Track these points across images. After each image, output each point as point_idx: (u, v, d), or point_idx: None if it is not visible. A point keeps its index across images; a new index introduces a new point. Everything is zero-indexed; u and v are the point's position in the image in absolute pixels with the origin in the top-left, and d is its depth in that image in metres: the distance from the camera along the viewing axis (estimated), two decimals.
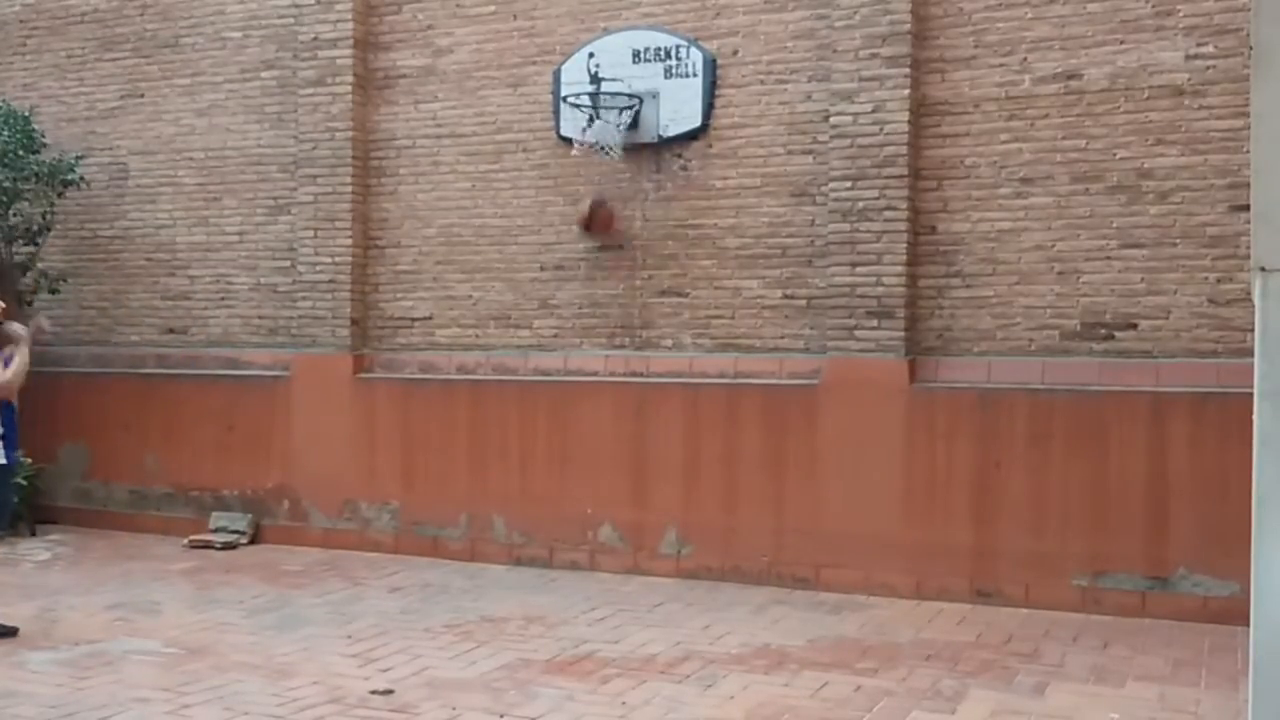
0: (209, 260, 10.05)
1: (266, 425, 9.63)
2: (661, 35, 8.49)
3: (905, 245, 7.83)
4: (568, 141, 8.70)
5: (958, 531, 7.63)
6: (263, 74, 9.83)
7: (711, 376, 8.38)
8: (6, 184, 9.74)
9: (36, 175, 9.94)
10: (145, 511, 10.06)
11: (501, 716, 5.33)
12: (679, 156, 8.52)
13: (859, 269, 7.92)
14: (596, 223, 8.54)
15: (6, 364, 6.76)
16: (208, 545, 9.38)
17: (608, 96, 8.45)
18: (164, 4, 10.17)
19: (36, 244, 10.17)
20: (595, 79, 8.57)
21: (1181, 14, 7.32)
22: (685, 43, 8.43)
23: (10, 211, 9.96)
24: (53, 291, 10.24)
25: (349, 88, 9.34)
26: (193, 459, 9.87)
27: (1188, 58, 7.31)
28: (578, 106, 8.48)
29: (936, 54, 7.87)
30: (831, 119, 8.02)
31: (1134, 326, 7.46)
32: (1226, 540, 6.84)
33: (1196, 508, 7.10)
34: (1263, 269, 3.09)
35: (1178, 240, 7.36)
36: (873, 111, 7.88)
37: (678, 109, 8.42)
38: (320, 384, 9.45)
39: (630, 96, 8.43)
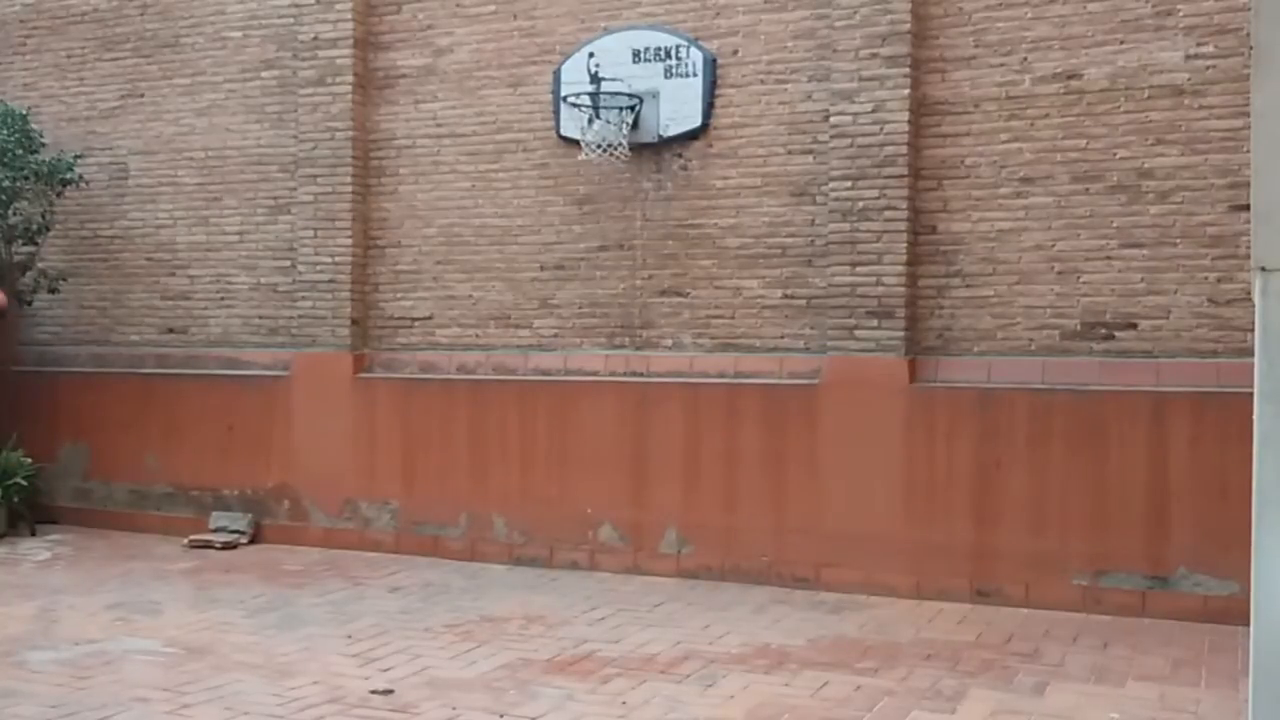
0: (209, 260, 10.05)
1: (266, 425, 9.63)
2: (661, 35, 8.49)
3: (905, 245, 7.83)
4: (568, 141, 8.71)
5: (958, 531, 7.63)
6: (263, 74, 9.83)
7: (711, 376, 8.38)
8: (5, 183, 9.74)
9: (35, 175, 9.94)
10: (145, 511, 10.06)
11: (501, 716, 5.33)
12: (679, 156, 8.52)
13: (859, 269, 7.92)
14: None
15: None
16: (208, 545, 9.38)
17: (608, 96, 8.45)
18: (164, 4, 10.17)
19: (36, 243, 10.18)
20: (595, 79, 8.57)
21: (1181, 14, 7.31)
22: (685, 42, 8.43)
23: (10, 211, 9.96)
24: (52, 291, 10.25)
25: (349, 87, 9.34)
26: (193, 459, 9.87)
27: (1188, 58, 7.31)
28: (578, 106, 8.48)
29: (936, 54, 7.87)
30: (831, 119, 8.02)
31: (1134, 326, 7.46)
32: (1226, 540, 6.85)
33: (1196, 507, 7.10)
34: (1263, 269, 3.08)
35: (1178, 240, 7.36)
36: (873, 111, 7.88)
37: (678, 109, 8.41)
38: (320, 383, 9.45)
39: (630, 96, 8.43)
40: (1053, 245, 7.63)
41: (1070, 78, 7.57)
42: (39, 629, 6.81)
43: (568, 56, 8.77)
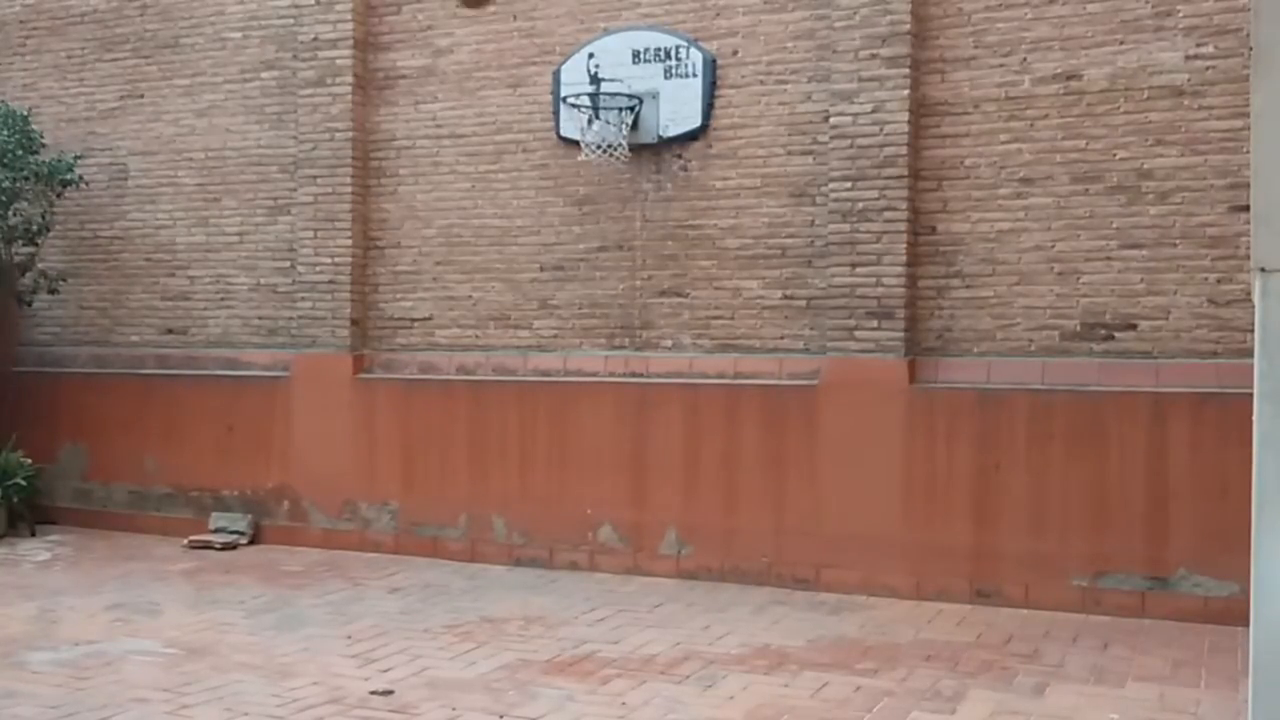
0: (209, 260, 10.05)
1: (266, 425, 9.62)
2: (661, 35, 8.49)
3: (905, 246, 7.83)
4: (568, 142, 8.71)
5: (958, 532, 7.63)
6: (262, 74, 9.83)
7: (711, 377, 8.38)
8: (6, 184, 9.74)
9: (35, 175, 9.95)
10: (145, 512, 10.06)
11: (501, 717, 5.33)
12: (679, 157, 8.52)
13: (859, 269, 7.92)
14: None
15: None
16: (207, 546, 9.38)
17: (607, 97, 8.45)
18: (164, 4, 10.17)
19: (36, 244, 10.18)
20: (595, 79, 8.57)
21: (1181, 14, 7.32)
22: (685, 43, 8.43)
23: (10, 211, 9.96)
24: (52, 292, 10.25)
25: (349, 88, 9.34)
26: (192, 459, 9.86)
27: (1188, 58, 7.31)
28: (577, 107, 8.48)
29: (936, 54, 7.87)
30: (831, 119, 8.02)
31: (1134, 327, 7.46)
32: (1226, 540, 6.84)
33: (1196, 508, 7.10)
34: (1263, 269, 3.09)
35: (1178, 240, 7.36)
36: (873, 112, 7.88)
37: (677, 109, 8.41)
38: (320, 384, 9.44)
39: (630, 97, 8.43)
40: (1052, 246, 7.63)
41: (1070, 78, 7.57)
42: (39, 630, 6.81)
43: (567, 57, 8.77)
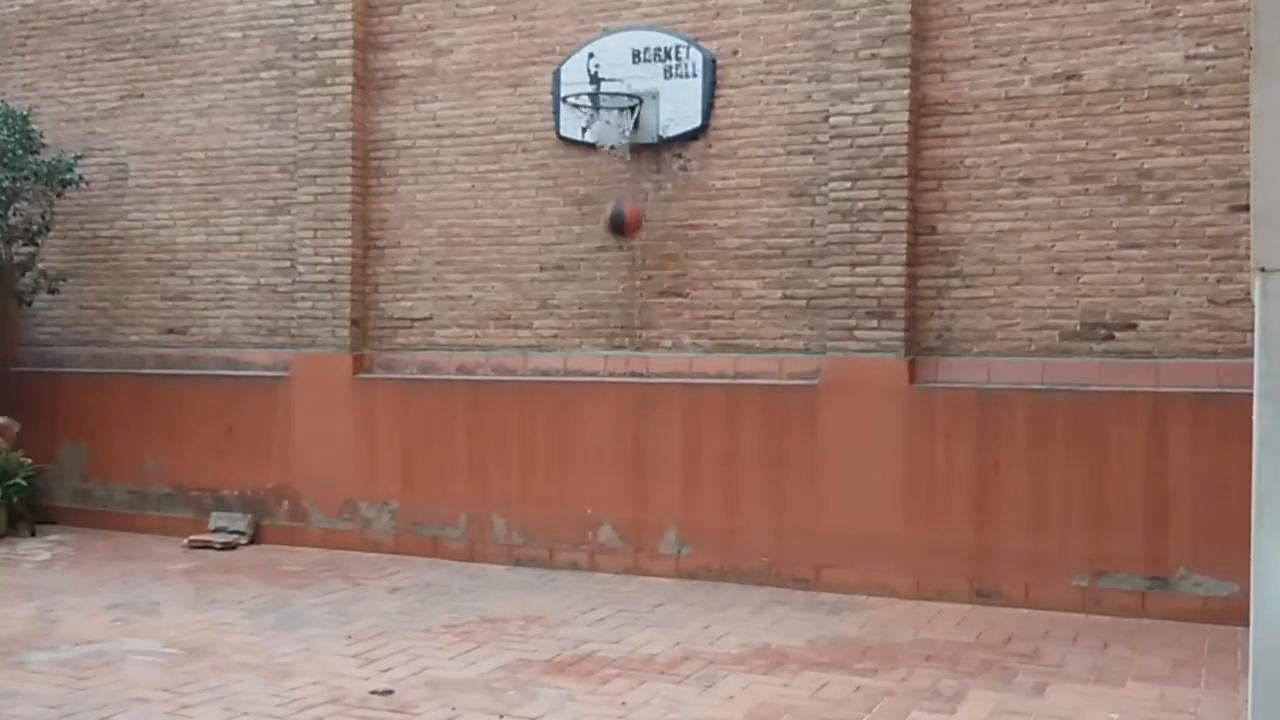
0: (209, 260, 10.05)
1: (266, 425, 9.62)
2: (661, 35, 8.49)
3: (905, 245, 7.83)
4: (568, 142, 8.72)
5: (958, 531, 7.63)
6: (262, 74, 9.83)
7: (711, 377, 8.38)
8: (6, 184, 9.74)
9: (35, 175, 9.95)
10: (145, 512, 10.06)
11: (501, 717, 5.33)
12: (679, 156, 8.52)
13: (859, 269, 7.92)
14: (628, 227, 8.38)
15: None
16: (207, 545, 9.38)
17: (607, 97, 8.45)
18: (164, 4, 10.17)
19: (36, 244, 10.18)
20: (595, 79, 8.57)
21: (1181, 14, 7.32)
22: (685, 43, 8.43)
23: (10, 211, 9.96)
24: (52, 291, 10.25)
25: (349, 88, 9.34)
26: (193, 459, 9.87)
27: (1188, 58, 7.31)
28: (578, 107, 8.49)
29: (936, 54, 7.87)
30: (831, 119, 8.02)
31: (1134, 327, 7.46)
32: (1226, 540, 6.84)
33: (1196, 508, 7.10)
34: (1263, 269, 3.08)
35: (1178, 240, 7.36)
36: (873, 112, 7.88)
37: (677, 109, 8.41)
38: (320, 384, 9.44)
39: (630, 97, 8.43)
40: (1052, 246, 7.63)
41: (1070, 78, 7.57)
42: (39, 629, 6.81)
43: (567, 57, 8.77)
